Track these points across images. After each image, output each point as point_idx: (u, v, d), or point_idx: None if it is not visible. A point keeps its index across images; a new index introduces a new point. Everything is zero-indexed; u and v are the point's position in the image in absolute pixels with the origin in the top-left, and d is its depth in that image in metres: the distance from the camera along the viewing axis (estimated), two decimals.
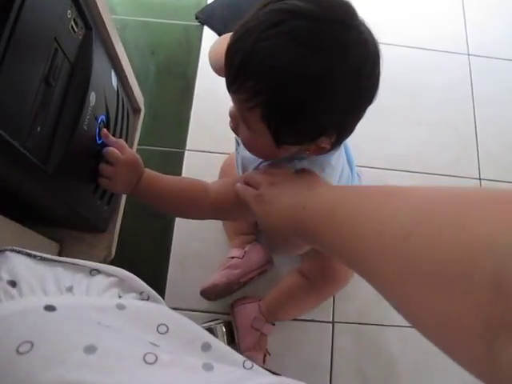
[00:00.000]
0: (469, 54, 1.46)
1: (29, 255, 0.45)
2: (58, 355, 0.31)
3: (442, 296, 0.25)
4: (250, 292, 1.04)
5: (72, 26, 0.60)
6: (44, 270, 0.43)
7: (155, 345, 0.38)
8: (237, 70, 0.50)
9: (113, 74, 0.79)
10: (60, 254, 0.84)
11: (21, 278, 0.40)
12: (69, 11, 0.58)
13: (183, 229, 1.11)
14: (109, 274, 0.48)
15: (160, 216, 1.11)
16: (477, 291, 0.23)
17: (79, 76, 0.63)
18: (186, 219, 1.00)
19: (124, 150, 0.70)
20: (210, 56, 0.73)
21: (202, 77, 1.31)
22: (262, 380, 0.36)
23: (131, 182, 0.69)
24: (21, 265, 0.42)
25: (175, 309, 0.45)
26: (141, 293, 0.49)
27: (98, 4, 0.67)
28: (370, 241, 0.34)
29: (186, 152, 1.21)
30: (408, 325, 0.30)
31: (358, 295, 1.08)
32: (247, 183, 0.58)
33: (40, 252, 0.46)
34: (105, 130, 0.71)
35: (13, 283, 0.39)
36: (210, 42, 0.75)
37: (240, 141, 0.63)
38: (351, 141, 0.65)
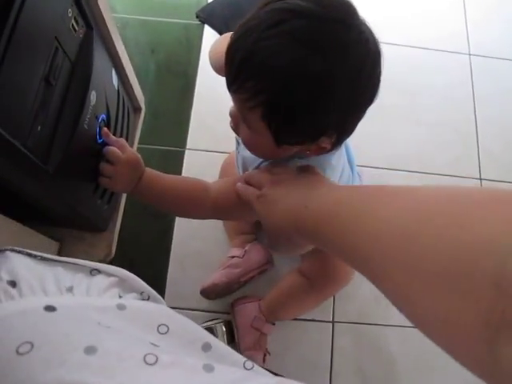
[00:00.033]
0: (470, 54, 1.46)
1: (29, 255, 0.45)
2: (58, 356, 0.31)
3: (443, 295, 0.25)
4: (250, 291, 1.04)
5: (73, 25, 0.60)
6: (44, 270, 0.43)
7: (155, 345, 0.38)
8: (237, 69, 0.50)
9: (113, 72, 0.79)
10: (60, 253, 0.84)
11: (21, 278, 0.40)
12: (69, 10, 0.58)
13: (183, 228, 1.11)
14: (109, 274, 0.47)
15: (160, 215, 1.11)
16: (477, 291, 0.23)
17: (80, 75, 0.62)
18: (186, 218, 1.00)
19: (125, 149, 0.70)
20: (211, 55, 0.73)
21: (203, 76, 1.31)
22: (263, 381, 0.36)
23: (132, 181, 0.69)
24: (21, 265, 0.42)
25: (175, 308, 0.45)
26: (141, 293, 0.48)
27: (99, 2, 0.67)
28: (375, 240, 0.33)
29: (187, 151, 1.21)
30: (408, 325, 0.30)
31: (358, 295, 1.08)
32: (248, 182, 0.58)
33: (40, 251, 0.46)
34: (105, 129, 0.71)
35: (13, 283, 0.39)
36: (211, 40, 0.75)
37: (240, 140, 0.63)
38: (351, 140, 0.65)
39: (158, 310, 0.45)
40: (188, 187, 0.71)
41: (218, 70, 0.70)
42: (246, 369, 0.40)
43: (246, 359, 0.41)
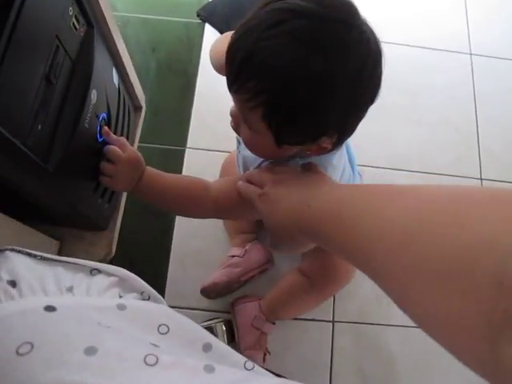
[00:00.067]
0: (471, 54, 1.46)
1: (29, 255, 0.45)
2: (59, 356, 0.31)
3: (444, 295, 0.25)
4: (251, 291, 1.04)
5: (73, 23, 0.60)
6: (44, 270, 0.43)
7: (156, 345, 0.38)
8: (238, 69, 0.49)
9: (114, 71, 0.79)
10: (60, 252, 0.84)
11: (21, 278, 0.40)
12: (70, 8, 0.58)
13: (184, 227, 1.11)
14: (109, 274, 0.47)
15: (161, 214, 1.11)
16: (478, 290, 0.23)
17: (80, 73, 0.62)
18: (186, 217, 1.00)
19: (125, 147, 0.70)
20: (211, 55, 0.73)
21: (203, 74, 1.31)
22: (263, 381, 0.36)
23: (132, 180, 0.69)
24: (21, 265, 0.42)
25: (175, 307, 0.45)
26: (141, 293, 0.48)
27: (100, 1, 0.67)
28: (377, 239, 0.33)
29: (187, 150, 1.20)
30: (409, 324, 0.30)
31: (359, 295, 1.08)
32: (249, 181, 0.58)
33: (40, 250, 0.46)
34: (106, 127, 0.71)
35: (13, 283, 0.39)
36: (212, 39, 0.75)
37: (241, 140, 0.63)
38: (352, 140, 0.65)
39: (159, 309, 0.45)
40: (189, 186, 0.70)
41: (218, 70, 0.69)
42: (247, 369, 0.40)
43: (246, 360, 0.41)
